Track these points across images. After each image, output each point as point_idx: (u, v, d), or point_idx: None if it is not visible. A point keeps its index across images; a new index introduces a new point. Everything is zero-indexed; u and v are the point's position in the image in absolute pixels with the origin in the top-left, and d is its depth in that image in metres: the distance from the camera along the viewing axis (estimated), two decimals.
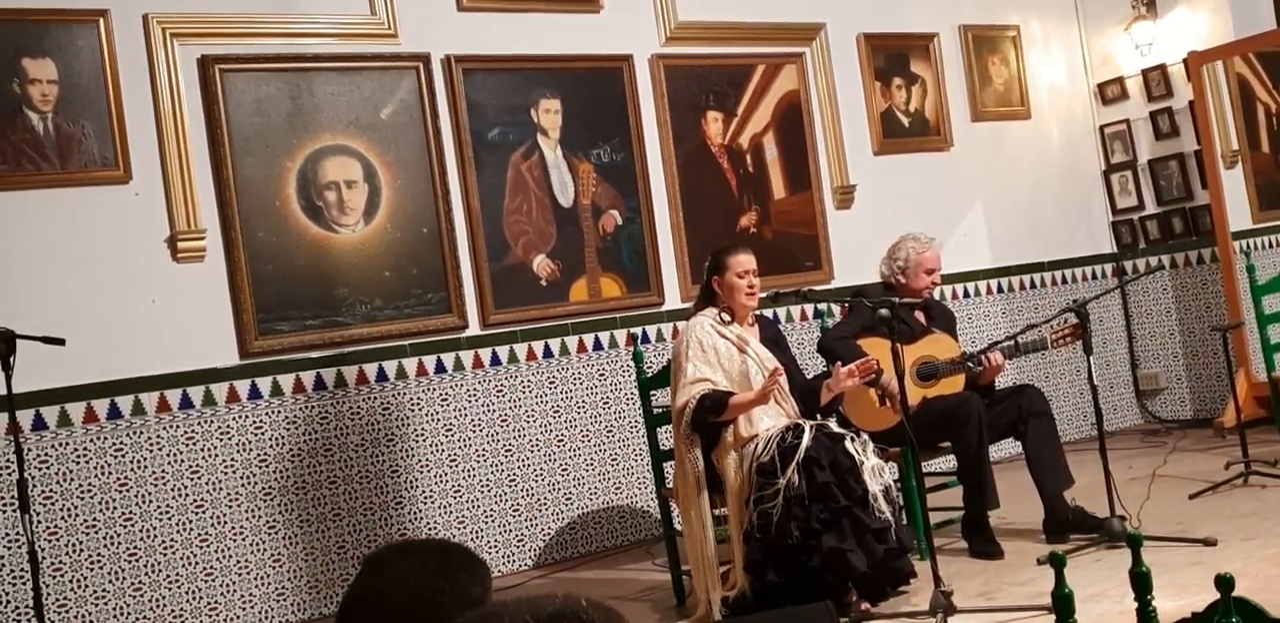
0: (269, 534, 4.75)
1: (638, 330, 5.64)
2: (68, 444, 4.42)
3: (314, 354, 4.90)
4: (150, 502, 4.54)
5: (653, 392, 4.65)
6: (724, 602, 4.00)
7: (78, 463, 4.43)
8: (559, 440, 5.42)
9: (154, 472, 4.56)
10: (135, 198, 4.63)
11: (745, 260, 4.28)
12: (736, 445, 4.07)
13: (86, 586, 4.40)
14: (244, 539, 4.70)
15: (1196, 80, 6.62)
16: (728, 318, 4.27)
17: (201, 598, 4.60)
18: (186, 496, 4.61)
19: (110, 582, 4.44)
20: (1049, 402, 4.85)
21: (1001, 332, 6.32)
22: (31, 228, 4.45)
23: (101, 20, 4.57)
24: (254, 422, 4.77)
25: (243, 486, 4.72)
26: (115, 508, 4.48)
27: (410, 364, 5.11)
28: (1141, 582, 2.11)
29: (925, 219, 6.01)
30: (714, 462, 4.11)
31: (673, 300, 5.72)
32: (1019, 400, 4.74)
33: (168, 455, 4.59)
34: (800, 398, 4.28)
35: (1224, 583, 1.88)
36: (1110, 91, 7.17)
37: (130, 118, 4.61)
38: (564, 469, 5.42)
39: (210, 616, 4.61)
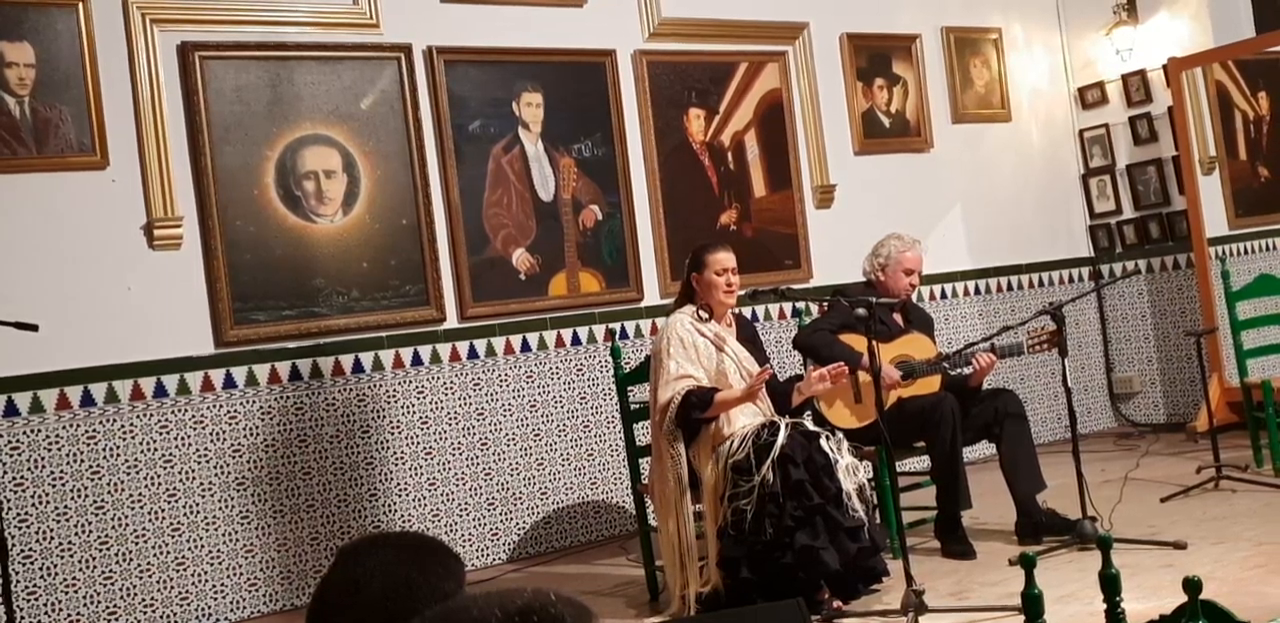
0: (242, 525, 4.73)
1: (616, 326, 5.63)
2: (40, 431, 4.39)
3: (290, 344, 4.88)
4: (122, 490, 4.51)
5: (630, 388, 4.65)
6: (697, 598, 4.01)
7: (49, 450, 4.40)
8: (535, 435, 5.41)
9: (127, 460, 4.53)
10: (112, 184, 4.60)
11: (725, 258, 4.28)
12: (714, 443, 4.08)
13: (56, 574, 4.37)
14: (216, 529, 4.68)
15: (1176, 86, 6.66)
16: (706, 315, 4.28)
17: (173, 588, 4.57)
18: (159, 485, 4.58)
19: (80, 570, 4.42)
20: (1024, 405, 4.88)
21: (978, 333, 6.35)
22: (6, 212, 4.41)
23: (81, 4, 4.53)
24: (229, 411, 4.75)
25: (216, 475, 4.70)
26: (87, 496, 4.45)
27: (387, 356, 5.09)
28: (1111, 584, 2.12)
29: (905, 219, 6.03)
30: (691, 459, 4.12)
31: (652, 297, 5.72)
32: (994, 403, 4.76)
33: (141, 444, 4.57)
34: (772, 400, 4.29)
35: (1192, 586, 1.90)
36: (1090, 96, 7.21)
37: (109, 103, 4.58)
38: (539, 464, 5.41)
39: (181, 605, 4.58)
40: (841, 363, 4.25)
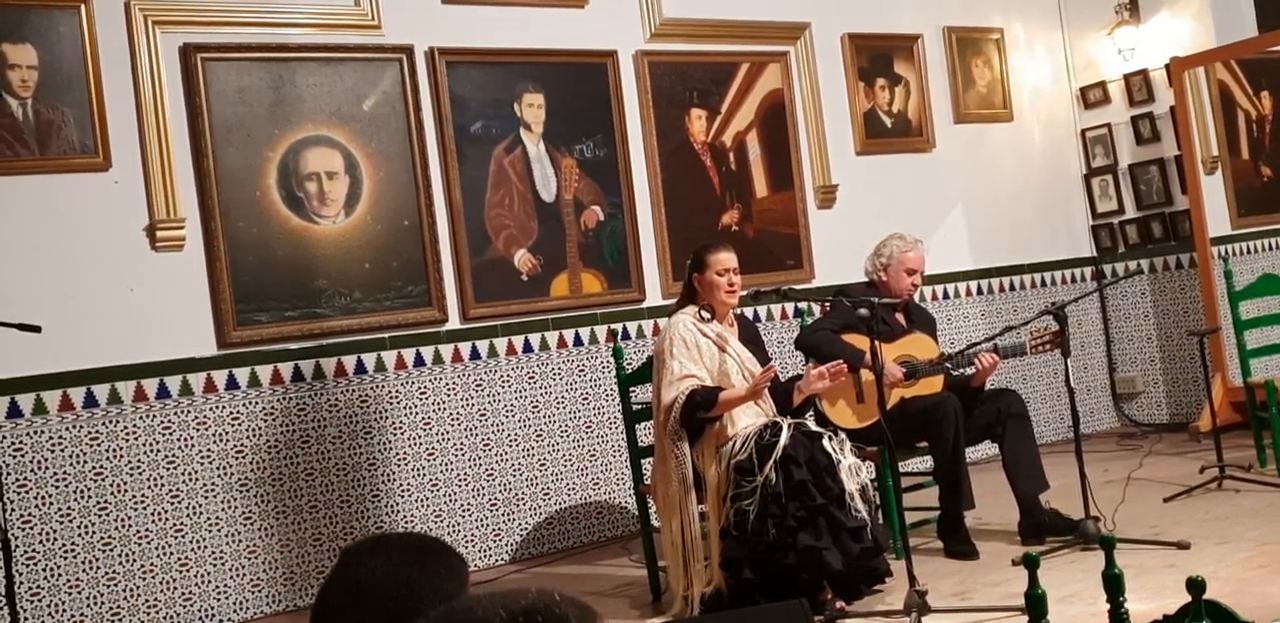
0: (245, 525, 4.73)
1: (618, 327, 5.63)
2: (43, 432, 4.40)
3: (292, 346, 4.89)
4: (125, 492, 4.52)
5: (632, 388, 4.65)
6: (700, 598, 4.01)
7: (53, 451, 4.41)
8: (537, 436, 5.41)
9: (130, 461, 4.54)
10: (115, 186, 4.60)
11: (726, 258, 4.28)
12: (717, 443, 4.08)
13: (60, 575, 4.38)
14: (220, 530, 4.68)
15: (1178, 86, 6.65)
16: (708, 315, 4.28)
17: (176, 589, 4.58)
18: (162, 486, 4.59)
19: (84, 571, 4.42)
20: (1026, 405, 4.87)
21: (980, 333, 6.35)
22: (9, 214, 4.42)
23: (83, 6, 4.53)
24: (231, 413, 4.75)
25: (219, 476, 4.70)
26: (90, 497, 4.45)
27: (389, 357, 5.09)
28: (1114, 584, 2.11)
29: (906, 220, 6.02)
30: (694, 459, 4.12)
31: (654, 297, 5.72)
32: (997, 404, 4.76)
33: (144, 445, 4.57)
34: (774, 400, 4.29)
35: (1195, 586, 1.89)
36: (1092, 95, 7.20)
37: (111, 105, 4.58)
38: (542, 464, 5.41)
39: (185, 606, 4.59)
40: (840, 361, 4.24)
